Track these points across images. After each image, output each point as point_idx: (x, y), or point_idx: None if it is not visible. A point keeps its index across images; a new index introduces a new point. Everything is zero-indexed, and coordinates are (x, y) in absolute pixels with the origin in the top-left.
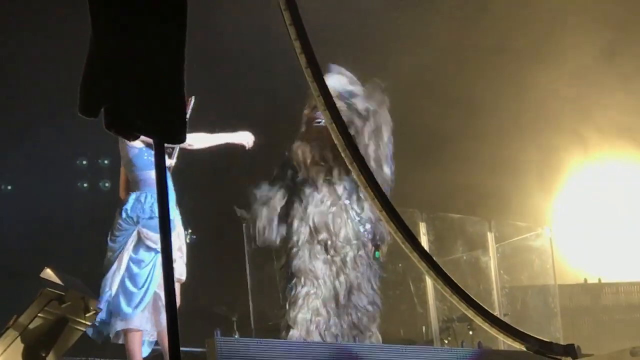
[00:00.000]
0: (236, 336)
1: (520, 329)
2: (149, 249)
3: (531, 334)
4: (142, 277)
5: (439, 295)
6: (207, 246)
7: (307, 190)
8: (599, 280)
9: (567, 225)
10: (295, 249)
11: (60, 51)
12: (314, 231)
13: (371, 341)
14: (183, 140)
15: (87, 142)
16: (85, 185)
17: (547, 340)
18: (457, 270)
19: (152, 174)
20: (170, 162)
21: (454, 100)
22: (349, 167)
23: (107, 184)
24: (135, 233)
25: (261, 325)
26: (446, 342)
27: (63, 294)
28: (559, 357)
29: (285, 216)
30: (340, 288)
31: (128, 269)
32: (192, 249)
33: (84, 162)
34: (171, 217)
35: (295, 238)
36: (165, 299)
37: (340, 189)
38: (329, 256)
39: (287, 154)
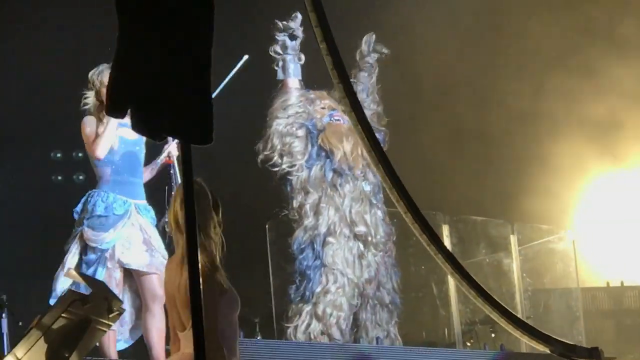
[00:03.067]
0: (258, 337)
1: (544, 332)
2: (92, 248)
3: (555, 337)
4: None
5: (462, 298)
6: (228, 248)
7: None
8: (622, 283)
9: (590, 228)
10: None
11: (34, 43)
12: (352, 225)
13: (388, 340)
14: (209, 141)
15: (62, 135)
16: (59, 178)
17: (571, 343)
18: (480, 273)
19: (107, 171)
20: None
21: (481, 103)
22: (375, 168)
23: (81, 177)
24: (79, 234)
25: (282, 326)
26: (468, 344)
27: (86, 294)
28: None
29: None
30: (366, 284)
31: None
32: None
33: (59, 155)
34: (119, 212)
35: (326, 230)
36: (191, 303)
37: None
38: (363, 252)
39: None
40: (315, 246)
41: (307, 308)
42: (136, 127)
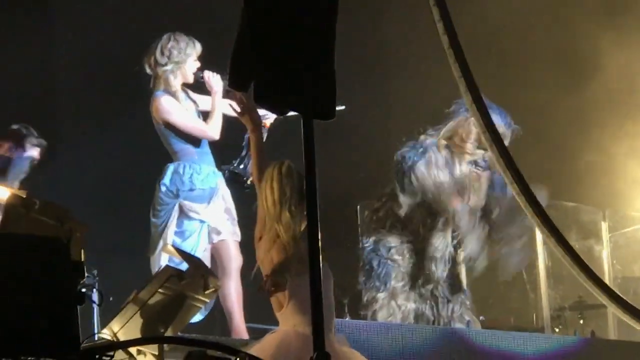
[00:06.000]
0: (347, 318)
1: None
2: (191, 219)
3: None
4: (186, 249)
5: (551, 284)
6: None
7: None
8: None
9: None
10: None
11: None
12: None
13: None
14: (332, 116)
15: None
16: None
17: None
18: None
19: (187, 146)
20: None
21: (577, 84)
22: (489, 149)
23: None
24: (177, 206)
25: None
26: (557, 330)
27: (183, 270)
28: None
29: None
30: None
31: (173, 243)
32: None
33: None
34: (213, 185)
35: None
36: (310, 286)
37: None
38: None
39: None
40: None
41: None
42: (260, 101)
